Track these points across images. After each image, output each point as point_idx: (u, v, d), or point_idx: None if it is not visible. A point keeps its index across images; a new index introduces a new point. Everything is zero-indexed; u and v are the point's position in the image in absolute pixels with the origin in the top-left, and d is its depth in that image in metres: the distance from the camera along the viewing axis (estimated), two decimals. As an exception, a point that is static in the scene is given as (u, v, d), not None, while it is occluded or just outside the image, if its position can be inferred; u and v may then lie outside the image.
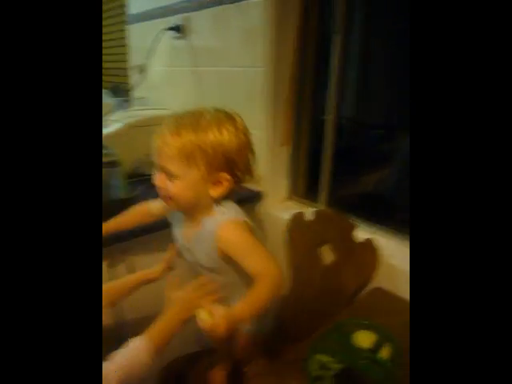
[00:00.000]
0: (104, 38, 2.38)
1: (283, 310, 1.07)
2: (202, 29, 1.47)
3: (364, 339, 0.80)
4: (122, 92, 1.98)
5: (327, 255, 1.12)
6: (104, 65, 2.47)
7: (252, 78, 1.30)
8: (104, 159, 1.07)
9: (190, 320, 0.78)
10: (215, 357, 1.02)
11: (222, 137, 0.75)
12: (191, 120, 0.75)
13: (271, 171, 1.36)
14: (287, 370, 0.73)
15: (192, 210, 0.84)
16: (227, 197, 0.82)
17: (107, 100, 1.77)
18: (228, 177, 0.78)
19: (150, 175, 0.83)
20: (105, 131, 1.40)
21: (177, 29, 1.53)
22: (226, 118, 0.78)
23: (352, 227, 1.07)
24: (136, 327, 0.77)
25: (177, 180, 0.76)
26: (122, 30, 2.03)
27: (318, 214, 1.16)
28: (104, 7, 2.27)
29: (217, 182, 0.78)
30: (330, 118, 1.25)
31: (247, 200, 1.36)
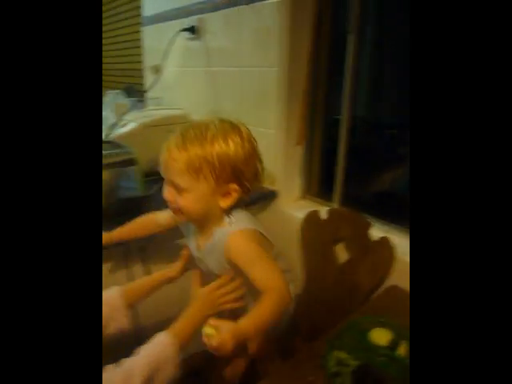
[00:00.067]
0: (119, 39, 2.42)
1: (298, 308, 1.08)
2: (216, 30, 1.49)
3: (380, 337, 0.80)
4: (136, 92, 2.01)
5: (342, 254, 1.12)
6: (119, 66, 2.51)
7: (266, 78, 1.31)
8: (121, 157, 1.09)
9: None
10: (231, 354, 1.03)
11: (228, 148, 0.74)
12: (197, 133, 0.75)
13: (285, 170, 1.37)
14: (305, 366, 0.73)
15: (203, 222, 0.84)
16: (237, 205, 0.82)
17: (122, 100, 1.80)
18: (236, 187, 0.78)
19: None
20: (120, 131, 1.42)
21: (192, 30, 1.54)
22: (231, 128, 0.77)
23: (367, 225, 1.07)
24: (153, 330, 0.78)
25: (186, 193, 0.76)
26: (137, 32, 2.05)
27: (333, 212, 1.16)
28: (119, 9, 2.31)
29: (226, 193, 0.78)
30: (343, 118, 1.25)
31: (262, 199, 1.37)
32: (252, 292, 0.84)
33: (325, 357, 0.73)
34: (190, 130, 0.76)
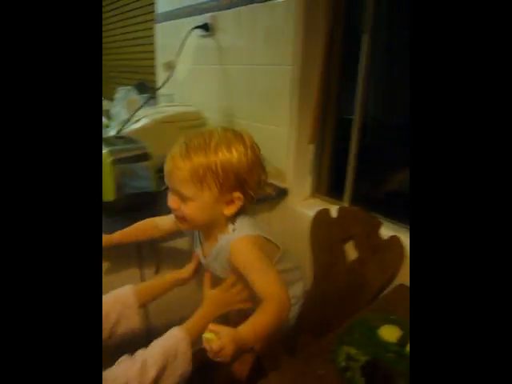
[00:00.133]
0: (132, 35, 2.44)
1: (306, 305, 1.08)
2: (229, 27, 1.50)
3: (389, 333, 0.80)
4: (148, 89, 2.02)
5: (352, 252, 1.13)
6: (131, 62, 2.53)
7: (278, 76, 1.31)
8: (134, 152, 1.10)
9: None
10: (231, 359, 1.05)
11: (231, 156, 0.75)
12: (200, 142, 0.76)
13: (295, 169, 1.37)
14: (315, 361, 0.74)
15: (207, 229, 0.86)
16: (241, 212, 0.83)
17: (134, 96, 1.82)
18: (240, 195, 0.78)
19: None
20: (133, 126, 1.44)
21: (205, 27, 1.55)
22: (235, 137, 0.78)
23: (377, 224, 1.08)
24: (163, 331, 0.79)
25: (190, 202, 0.77)
26: (151, 29, 2.07)
27: (343, 210, 1.17)
28: (133, 5, 2.33)
29: (229, 202, 0.79)
30: (356, 118, 1.26)
31: (272, 196, 1.37)
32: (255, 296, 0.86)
33: (334, 351, 0.74)
34: (194, 139, 0.76)
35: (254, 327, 0.67)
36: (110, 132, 1.60)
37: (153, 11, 2.01)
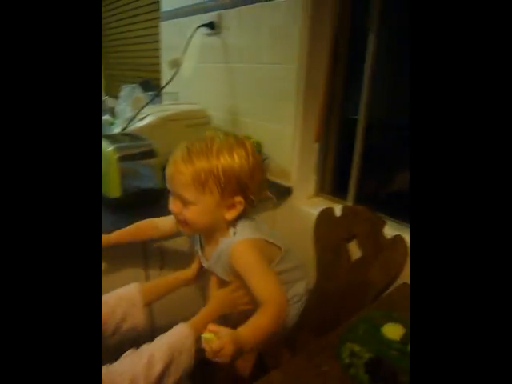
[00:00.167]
0: (137, 33, 2.44)
1: (309, 304, 1.09)
2: (235, 26, 1.50)
3: (393, 331, 0.81)
4: (153, 87, 2.03)
5: (355, 251, 1.13)
6: (136, 61, 2.54)
7: (284, 75, 1.32)
8: (141, 149, 1.11)
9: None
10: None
11: (233, 161, 0.76)
12: (202, 147, 0.76)
13: (300, 167, 1.38)
14: (319, 357, 0.75)
15: (208, 233, 0.87)
16: (242, 216, 0.84)
17: (139, 94, 1.82)
18: (241, 199, 0.79)
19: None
20: (138, 124, 1.45)
21: (210, 25, 1.56)
22: (236, 142, 0.79)
23: (381, 223, 1.08)
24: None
25: (192, 206, 0.78)
26: (156, 27, 2.07)
27: (347, 209, 1.17)
28: (138, 3, 2.33)
29: (231, 206, 0.80)
30: (360, 118, 1.27)
31: (276, 194, 1.38)
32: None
33: (339, 348, 0.75)
34: (196, 144, 0.77)
35: (253, 329, 0.68)
36: (114, 129, 1.61)
37: (158, 9, 2.01)
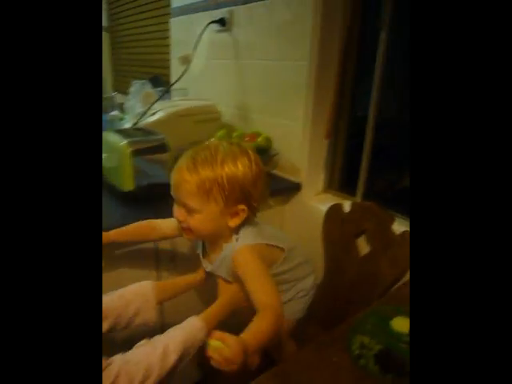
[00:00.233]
0: (147, 30, 2.46)
1: (317, 298, 1.11)
2: (245, 22, 1.51)
3: (402, 325, 0.82)
4: (162, 83, 2.04)
5: (364, 246, 1.15)
6: (146, 56, 2.56)
7: (294, 71, 1.33)
8: (153, 143, 1.13)
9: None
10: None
11: (237, 170, 0.77)
12: (207, 156, 0.78)
13: (309, 164, 1.39)
14: (329, 349, 0.76)
15: (212, 239, 0.89)
16: (246, 222, 0.85)
17: (149, 90, 1.84)
18: (245, 207, 0.81)
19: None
20: (149, 119, 1.46)
21: (221, 22, 1.57)
22: (240, 151, 0.80)
23: (390, 219, 1.09)
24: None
25: (196, 214, 0.79)
26: (165, 23, 2.09)
27: (356, 205, 1.18)
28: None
29: (234, 214, 0.81)
30: (370, 115, 1.27)
31: (286, 190, 1.40)
32: None
33: (349, 340, 0.76)
34: (201, 153, 0.78)
35: (255, 334, 0.68)
36: (124, 125, 1.62)
37: (168, 5, 2.03)
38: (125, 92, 2.06)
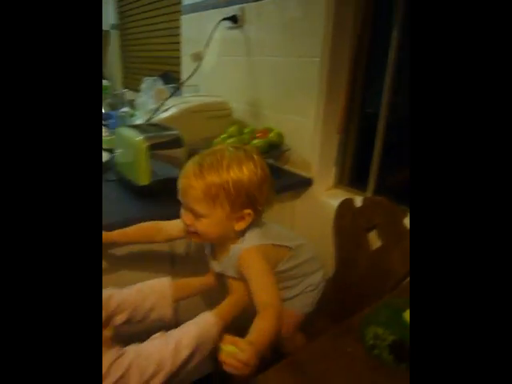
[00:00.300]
0: (158, 27, 2.47)
1: (329, 292, 1.12)
2: (257, 19, 1.52)
3: (414, 317, 0.83)
4: (172, 79, 2.06)
5: (375, 241, 1.16)
6: (157, 53, 2.57)
7: (305, 68, 1.33)
8: (168, 138, 1.15)
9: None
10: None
11: (243, 175, 0.79)
12: (213, 161, 0.79)
13: (320, 159, 1.40)
14: (343, 339, 0.78)
15: (219, 241, 0.91)
16: (252, 225, 0.87)
17: (161, 86, 1.85)
18: (250, 212, 0.83)
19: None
20: (162, 115, 1.48)
21: (233, 19, 1.58)
22: (245, 156, 0.81)
23: (401, 213, 1.10)
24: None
25: (203, 218, 0.81)
26: (177, 20, 2.10)
27: (367, 200, 1.20)
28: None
29: (240, 218, 0.83)
30: (381, 112, 1.28)
31: (297, 185, 1.41)
32: None
33: (362, 331, 0.78)
34: (207, 158, 0.80)
35: (259, 334, 0.70)
36: (136, 121, 1.64)
37: (179, 3, 2.04)
38: (135, 89, 2.08)
